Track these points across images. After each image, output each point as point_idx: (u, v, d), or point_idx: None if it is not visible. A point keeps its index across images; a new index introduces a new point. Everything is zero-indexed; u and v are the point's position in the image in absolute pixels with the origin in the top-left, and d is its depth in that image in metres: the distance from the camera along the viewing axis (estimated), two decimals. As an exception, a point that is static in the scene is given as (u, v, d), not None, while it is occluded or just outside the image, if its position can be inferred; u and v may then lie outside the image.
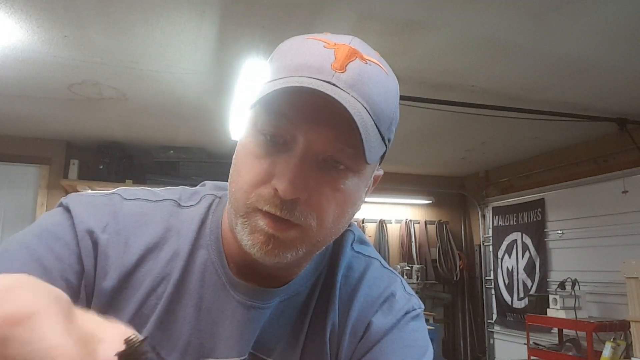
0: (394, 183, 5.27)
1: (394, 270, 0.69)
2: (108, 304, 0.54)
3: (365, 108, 0.49)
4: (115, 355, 0.27)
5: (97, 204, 0.58)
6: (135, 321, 0.55)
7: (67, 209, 0.56)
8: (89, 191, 0.61)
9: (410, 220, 5.49)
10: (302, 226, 0.51)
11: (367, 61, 0.51)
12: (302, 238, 0.52)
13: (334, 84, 0.48)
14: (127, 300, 0.55)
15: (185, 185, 0.69)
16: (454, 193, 5.76)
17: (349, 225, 0.68)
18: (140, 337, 0.29)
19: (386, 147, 0.55)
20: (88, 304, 0.54)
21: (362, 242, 0.70)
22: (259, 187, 0.51)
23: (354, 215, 0.58)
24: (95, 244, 0.55)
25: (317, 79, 0.48)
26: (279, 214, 0.50)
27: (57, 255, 0.52)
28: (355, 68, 0.50)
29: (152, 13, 2.15)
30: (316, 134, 0.49)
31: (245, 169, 0.52)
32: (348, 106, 0.46)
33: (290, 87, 0.47)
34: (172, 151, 4.45)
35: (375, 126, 0.50)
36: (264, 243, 0.51)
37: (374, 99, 0.50)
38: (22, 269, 0.48)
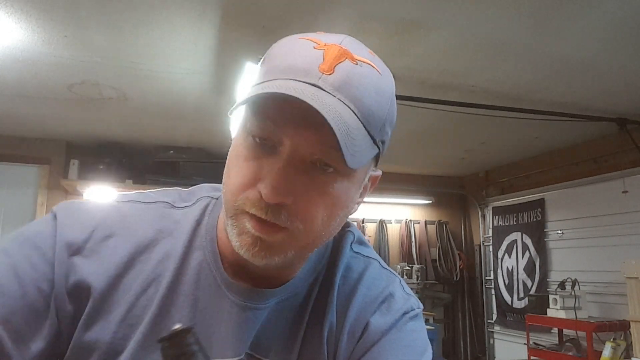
0: (394, 183, 5.27)
1: (392, 271, 0.69)
2: (99, 307, 0.55)
3: (352, 110, 0.48)
4: (158, 341, 0.27)
5: (86, 210, 0.59)
6: (127, 322, 0.55)
7: (55, 217, 0.58)
8: (86, 198, 0.62)
9: (410, 220, 5.49)
10: (289, 229, 0.51)
11: (358, 61, 0.51)
12: (290, 241, 0.52)
13: (319, 87, 0.48)
14: (117, 302, 0.55)
15: (185, 185, 0.69)
16: (454, 193, 5.76)
17: (349, 226, 0.68)
18: (185, 326, 0.28)
19: (379, 148, 0.55)
20: (71, 310, 0.54)
21: (361, 242, 0.70)
22: (246, 189, 0.51)
23: (346, 217, 0.57)
24: (76, 252, 0.55)
25: (303, 82, 0.48)
26: (264, 217, 0.50)
27: (33, 264, 0.53)
28: (344, 69, 0.49)
29: (152, 13, 2.15)
30: (302, 137, 0.49)
31: (234, 170, 0.53)
32: (325, 110, 0.46)
33: (272, 93, 0.46)
34: (172, 151, 4.45)
35: (364, 128, 0.50)
36: (251, 245, 0.51)
37: (362, 101, 0.49)
38: None
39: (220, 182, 0.69)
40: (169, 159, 4.46)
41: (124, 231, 0.58)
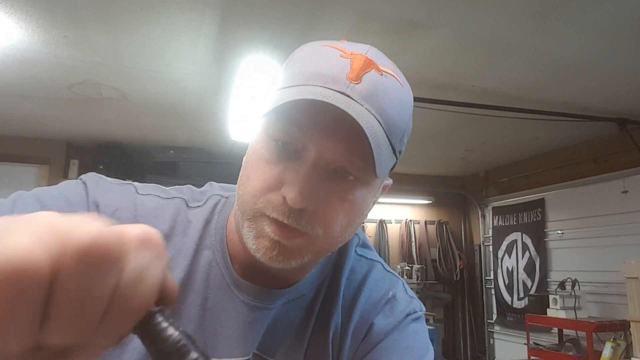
0: (394, 183, 5.24)
1: (395, 274, 0.70)
2: None
3: (377, 120, 0.49)
4: (132, 332, 0.27)
5: (112, 190, 0.59)
6: None
7: (85, 185, 0.58)
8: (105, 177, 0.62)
9: (410, 220, 5.49)
10: (308, 235, 0.51)
11: (383, 72, 0.51)
12: (308, 246, 0.52)
13: (348, 95, 0.48)
14: None
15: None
16: (454, 193, 5.76)
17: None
18: (157, 308, 0.29)
19: (397, 159, 0.55)
20: None
21: (365, 245, 0.70)
22: (268, 193, 0.51)
23: (360, 224, 0.58)
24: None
25: (332, 90, 0.48)
26: (286, 222, 0.50)
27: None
28: (371, 79, 0.50)
29: (152, 13, 2.15)
30: (328, 144, 0.49)
31: (256, 173, 0.52)
32: (360, 120, 0.46)
33: (308, 99, 0.46)
34: (172, 151, 4.45)
35: (387, 139, 0.50)
36: (269, 249, 0.51)
37: (387, 112, 0.50)
38: None
39: (220, 182, 0.69)
40: (169, 159, 4.46)
41: (143, 220, 0.58)
